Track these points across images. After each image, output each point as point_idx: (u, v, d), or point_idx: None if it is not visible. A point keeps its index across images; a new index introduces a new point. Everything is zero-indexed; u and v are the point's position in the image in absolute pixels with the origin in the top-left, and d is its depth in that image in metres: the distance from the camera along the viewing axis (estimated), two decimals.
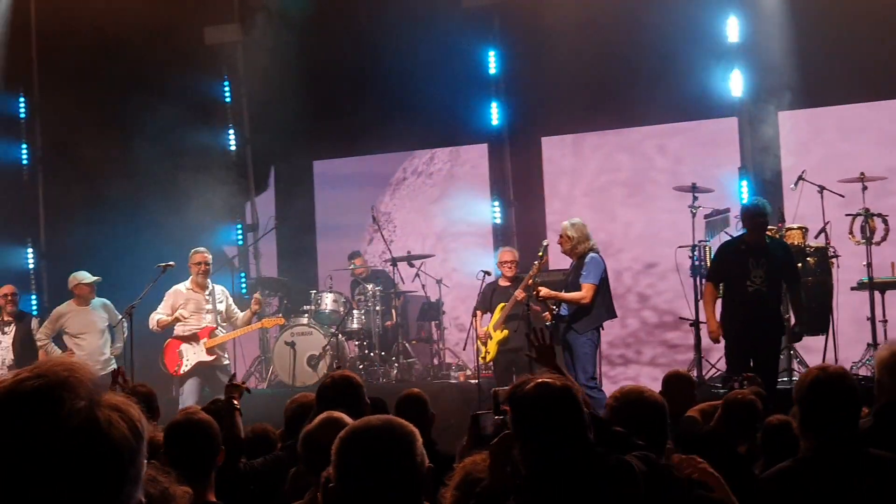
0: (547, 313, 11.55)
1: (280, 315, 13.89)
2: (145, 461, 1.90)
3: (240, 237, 16.30)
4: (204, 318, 12.68)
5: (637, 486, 3.91)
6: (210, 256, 12.83)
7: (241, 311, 12.91)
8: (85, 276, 13.20)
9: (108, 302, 13.30)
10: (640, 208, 14.91)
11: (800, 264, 11.75)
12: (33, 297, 16.09)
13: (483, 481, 4.05)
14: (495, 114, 15.41)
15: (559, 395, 3.93)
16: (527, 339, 6.09)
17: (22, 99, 16.61)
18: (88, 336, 13.13)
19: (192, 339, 12.61)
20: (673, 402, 6.59)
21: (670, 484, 4.24)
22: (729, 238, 11.50)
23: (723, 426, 6.17)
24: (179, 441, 4.97)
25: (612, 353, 14.67)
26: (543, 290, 11.38)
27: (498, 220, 15.43)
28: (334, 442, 3.24)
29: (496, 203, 15.49)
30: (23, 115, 16.67)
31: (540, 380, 3.98)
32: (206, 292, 12.76)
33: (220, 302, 12.82)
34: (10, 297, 13.34)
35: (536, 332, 5.68)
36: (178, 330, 12.66)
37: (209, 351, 12.56)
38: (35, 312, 15.04)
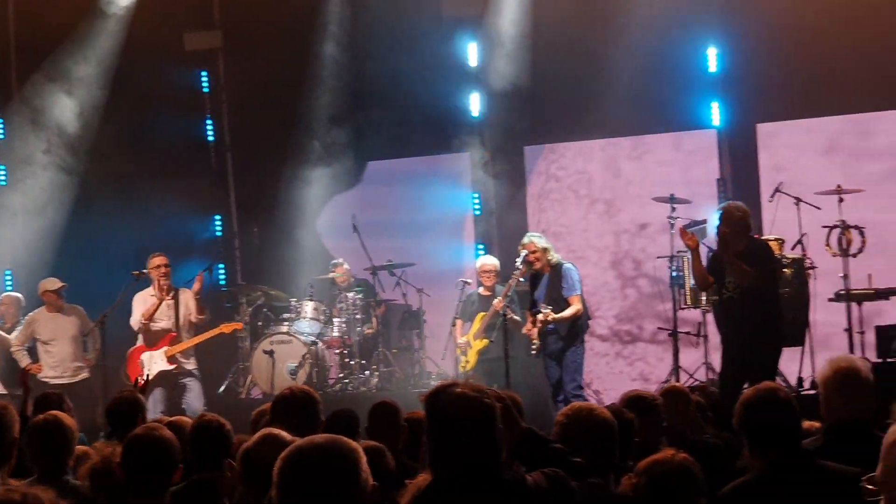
0: (529, 325, 11.58)
1: (238, 320, 13.84)
2: None
3: (217, 229, 16.23)
4: (166, 324, 12.66)
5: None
6: (167, 260, 12.81)
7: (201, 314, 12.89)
8: (51, 283, 13.19)
9: (80, 308, 13.28)
10: (617, 217, 14.93)
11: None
12: None
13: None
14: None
15: (475, 407, 3.91)
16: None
17: None
18: (59, 343, 13.11)
19: (153, 347, 12.59)
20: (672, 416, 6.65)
21: None
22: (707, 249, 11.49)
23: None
24: (136, 455, 4.92)
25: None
26: (550, 316, 11.28)
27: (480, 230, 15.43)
28: (276, 461, 3.19)
29: (477, 210, 15.51)
30: None
31: (460, 389, 3.95)
32: (170, 296, 12.75)
33: (185, 305, 12.81)
34: None
35: None
36: (140, 338, 12.65)
37: (170, 359, 12.55)
38: None
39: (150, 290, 12.79)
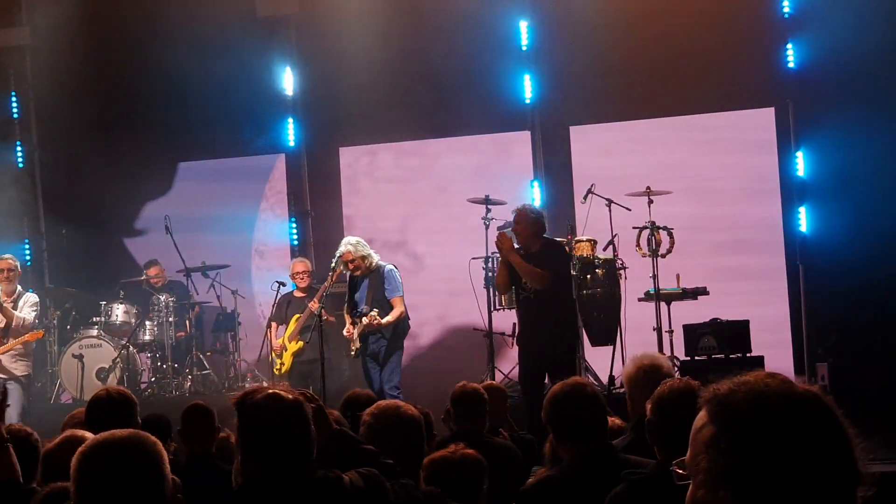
0: (350, 328, 11.54)
1: (46, 324, 13.45)
2: None
3: (27, 256, 15.71)
4: None
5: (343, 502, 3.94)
6: (11, 263, 12.42)
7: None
8: None
9: None
10: (439, 219, 14.97)
11: (589, 276, 11.99)
12: None
13: None
14: (291, 130, 15.36)
15: (288, 407, 3.92)
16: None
17: None
18: None
19: None
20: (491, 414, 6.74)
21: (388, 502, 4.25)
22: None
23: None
24: None
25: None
26: (376, 320, 11.20)
27: (294, 232, 15.32)
28: (74, 457, 3.08)
29: (292, 215, 15.39)
30: None
31: (272, 391, 3.96)
32: (10, 300, 12.35)
33: (21, 310, 12.40)
34: None
35: None
36: None
37: None
38: None
39: None
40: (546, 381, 10.26)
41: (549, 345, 10.45)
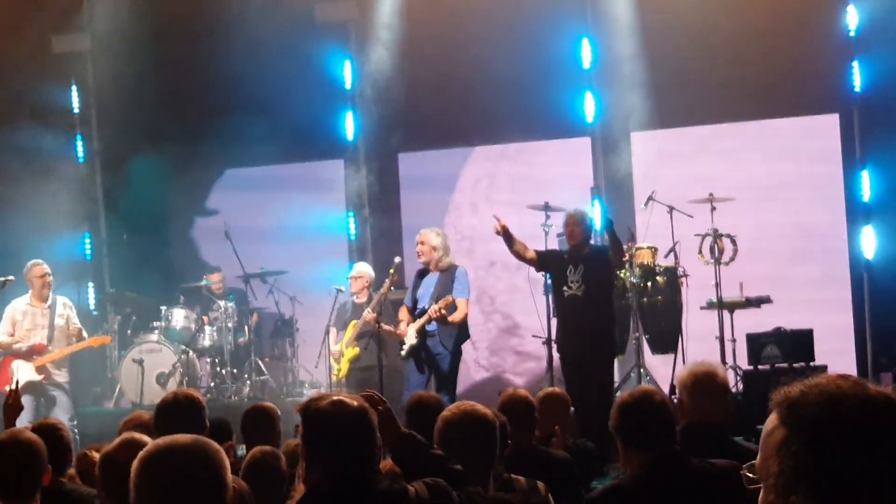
0: (403, 326, 11.38)
1: (106, 329, 13.51)
2: None
3: (88, 250, 15.84)
4: (38, 333, 12.30)
5: None
6: (49, 269, 12.45)
7: (80, 325, 12.51)
8: None
9: None
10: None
11: (649, 283, 11.91)
12: None
13: None
14: (350, 135, 15.38)
15: (353, 415, 3.89)
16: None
17: None
18: None
19: (26, 356, 12.21)
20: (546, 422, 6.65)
21: None
22: None
23: None
24: (2, 460, 4.79)
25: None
26: (442, 313, 10.91)
27: (353, 235, 15.31)
28: (133, 462, 3.02)
29: (351, 217, 15.39)
30: None
31: (337, 398, 3.93)
32: (46, 305, 12.40)
33: (61, 316, 12.43)
34: None
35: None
36: (15, 346, 12.30)
37: (38, 369, 12.16)
38: None
39: (25, 299, 12.38)
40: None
41: (589, 347, 10.42)
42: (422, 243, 11.40)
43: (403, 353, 11.32)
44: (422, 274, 11.54)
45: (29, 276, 12.27)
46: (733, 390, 8.56)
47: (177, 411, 5.52)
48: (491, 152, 15.16)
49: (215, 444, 3.08)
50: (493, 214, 10.93)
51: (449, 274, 11.33)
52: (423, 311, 11.15)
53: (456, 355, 11.25)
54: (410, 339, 11.22)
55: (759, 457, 2.12)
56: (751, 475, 2.16)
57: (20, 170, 14.53)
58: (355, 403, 3.94)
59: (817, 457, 1.99)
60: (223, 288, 14.46)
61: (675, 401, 5.46)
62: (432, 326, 11.20)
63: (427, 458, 4.38)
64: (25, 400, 11.91)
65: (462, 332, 11.34)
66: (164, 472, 2.96)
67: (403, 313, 11.58)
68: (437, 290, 11.26)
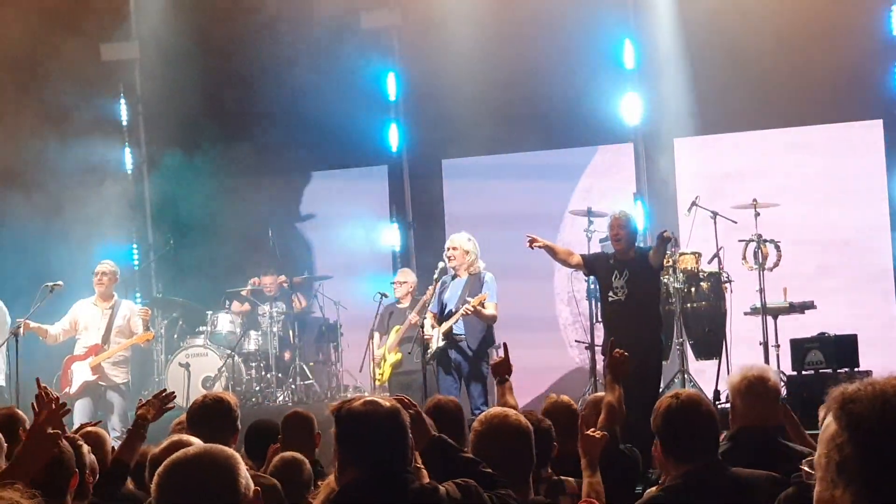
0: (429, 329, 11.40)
1: (150, 330, 13.57)
2: None
3: (135, 259, 15.98)
4: (94, 333, 12.44)
5: None
6: (108, 268, 12.57)
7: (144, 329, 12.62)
8: None
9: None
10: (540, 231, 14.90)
11: (693, 289, 11.89)
12: None
13: None
14: (395, 141, 15.43)
15: (386, 415, 3.94)
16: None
17: None
18: None
19: (84, 356, 12.37)
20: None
21: None
22: None
23: None
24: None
25: None
26: (475, 308, 10.99)
27: (397, 243, 15.38)
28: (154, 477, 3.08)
29: (395, 225, 15.45)
30: None
31: (369, 399, 3.99)
32: (108, 306, 12.53)
33: (123, 317, 12.56)
34: None
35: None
36: (76, 347, 12.45)
37: (93, 370, 12.31)
38: None
39: (91, 299, 12.57)
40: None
41: (632, 354, 10.31)
42: (454, 248, 11.48)
43: (428, 355, 11.38)
44: (445, 280, 11.59)
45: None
46: None
47: (206, 413, 5.63)
48: (532, 157, 15.15)
49: (227, 450, 3.12)
50: (526, 234, 10.91)
51: (477, 278, 11.39)
52: (451, 314, 11.22)
53: (485, 363, 11.21)
54: (437, 341, 11.30)
55: (817, 451, 2.18)
56: (810, 470, 2.22)
57: (70, 178, 14.67)
58: (388, 404, 4.00)
59: (860, 451, 2.03)
60: (274, 290, 14.51)
61: (719, 407, 5.45)
62: (459, 329, 11.28)
63: (457, 461, 4.42)
64: (82, 401, 12.16)
65: (488, 335, 11.36)
66: (174, 487, 3.02)
67: (430, 320, 11.65)
68: (463, 294, 11.34)
